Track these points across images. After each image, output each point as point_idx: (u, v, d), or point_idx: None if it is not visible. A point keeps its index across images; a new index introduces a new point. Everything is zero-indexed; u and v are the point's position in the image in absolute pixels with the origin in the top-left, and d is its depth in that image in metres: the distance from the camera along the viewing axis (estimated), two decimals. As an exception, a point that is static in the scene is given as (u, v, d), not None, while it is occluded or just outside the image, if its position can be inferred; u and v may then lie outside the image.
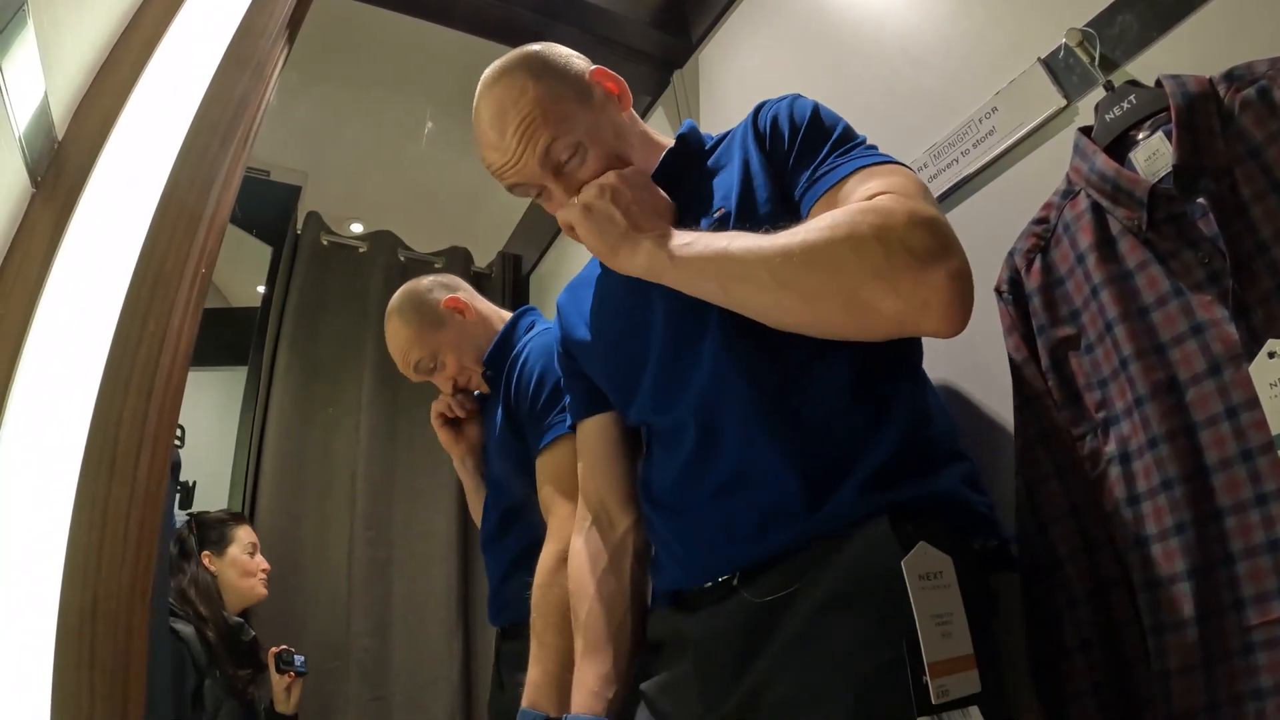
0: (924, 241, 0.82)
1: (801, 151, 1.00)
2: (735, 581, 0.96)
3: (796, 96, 1.09)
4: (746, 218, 1.00)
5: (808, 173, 0.98)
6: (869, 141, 1.02)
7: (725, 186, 1.06)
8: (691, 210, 1.06)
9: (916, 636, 0.79)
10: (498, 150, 1.04)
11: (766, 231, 0.91)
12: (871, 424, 0.92)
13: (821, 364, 0.95)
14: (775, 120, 1.05)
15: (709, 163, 1.12)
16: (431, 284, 1.79)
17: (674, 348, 1.04)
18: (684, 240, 0.95)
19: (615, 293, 1.16)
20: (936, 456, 0.93)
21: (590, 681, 1.10)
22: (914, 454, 0.91)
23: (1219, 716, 0.83)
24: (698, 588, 1.01)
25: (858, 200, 0.90)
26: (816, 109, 1.04)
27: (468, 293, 1.79)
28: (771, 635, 0.90)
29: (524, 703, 1.29)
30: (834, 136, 1.00)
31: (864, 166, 0.94)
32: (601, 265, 1.20)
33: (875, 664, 0.81)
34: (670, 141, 1.16)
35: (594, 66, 1.11)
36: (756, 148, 1.06)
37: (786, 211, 0.99)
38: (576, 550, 1.21)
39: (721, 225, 1.01)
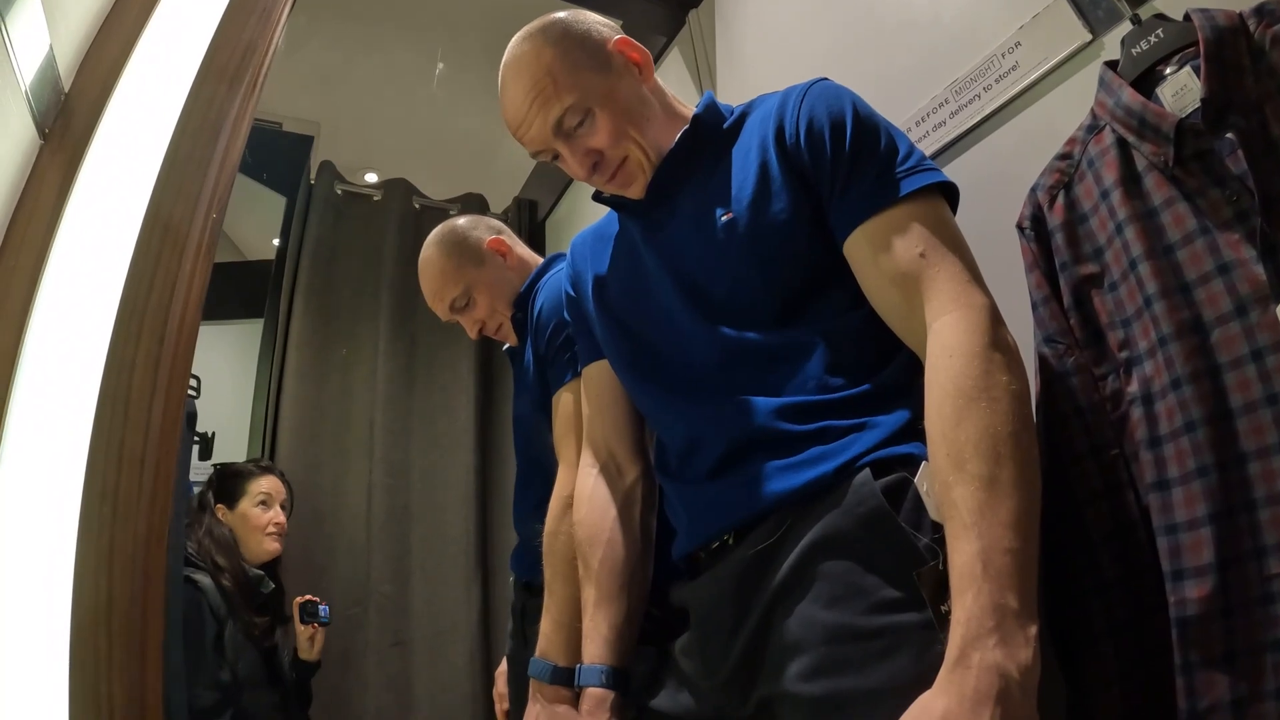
0: (1017, 362, 0.86)
1: (837, 169, 0.98)
2: (730, 541, 0.98)
3: (827, 89, 1.05)
4: (755, 224, 1.00)
5: (847, 196, 0.97)
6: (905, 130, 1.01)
7: (739, 185, 1.04)
8: (704, 201, 1.06)
9: (925, 561, 0.80)
10: (514, 114, 1.06)
11: (784, 243, 0.98)
12: (856, 396, 0.93)
13: (802, 344, 0.97)
14: (810, 127, 1.01)
15: (728, 148, 1.09)
16: (475, 222, 1.76)
17: (669, 333, 1.07)
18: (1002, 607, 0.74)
19: (628, 269, 1.16)
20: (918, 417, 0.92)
21: (604, 631, 1.11)
22: (900, 418, 0.92)
23: (1236, 665, 0.82)
24: (700, 553, 1.03)
25: (903, 258, 0.91)
26: (856, 113, 1.00)
27: (510, 236, 1.77)
28: (761, 587, 0.91)
29: (536, 653, 1.30)
30: (874, 152, 0.98)
31: (905, 199, 0.94)
32: (620, 226, 1.20)
33: (855, 610, 0.82)
34: (690, 110, 1.15)
35: (618, 36, 1.11)
36: (777, 150, 1.03)
37: (800, 220, 0.99)
38: (585, 497, 1.21)
39: (729, 230, 1.01)
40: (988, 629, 0.71)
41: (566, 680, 1.22)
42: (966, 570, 0.74)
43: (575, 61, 1.04)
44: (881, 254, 0.93)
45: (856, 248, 0.96)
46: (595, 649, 1.11)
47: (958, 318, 0.87)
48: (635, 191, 1.09)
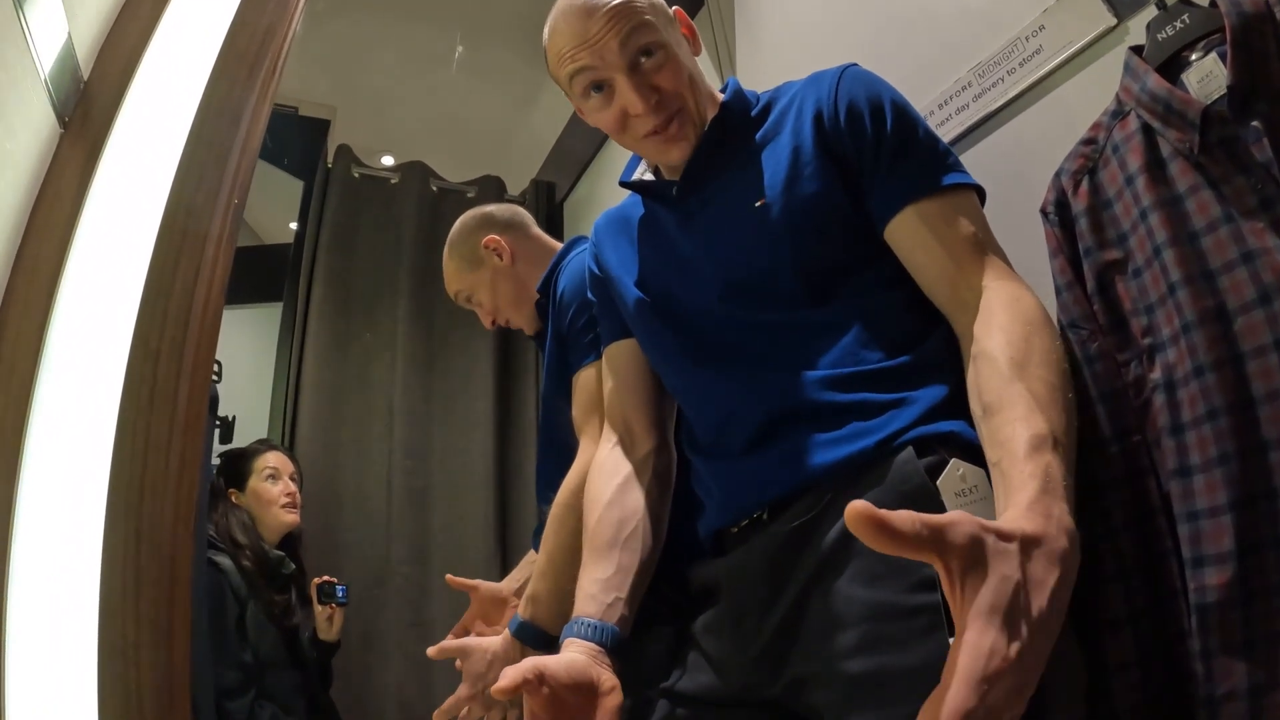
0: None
1: (881, 149, 0.99)
2: (765, 516, 0.97)
3: (861, 74, 1.06)
4: (788, 205, 1.01)
5: (894, 175, 0.99)
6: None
7: (771, 172, 1.04)
8: (737, 192, 1.06)
9: None
10: (580, 27, 1.02)
11: (814, 220, 0.99)
12: (893, 369, 0.94)
13: (838, 321, 0.98)
14: (851, 108, 1.02)
15: (757, 135, 1.09)
16: (481, 218, 1.76)
17: (705, 314, 1.07)
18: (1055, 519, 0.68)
19: (660, 252, 1.16)
20: (958, 394, 0.93)
21: (588, 586, 1.06)
22: (938, 393, 0.92)
23: (1255, 653, 0.82)
24: (732, 528, 1.02)
25: (960, 233, 0.95)
26: (893, 98, 1.02)
27: (516, 231, 1.75)
28: (799, 563, 0.91)
29: (523, 615, 1.30)
30: (917, 137, 1.01)
31: (953, 189, 0.98)
32: (646, 210, 1.20)
33: (895, 588, 0.82)
34: (716, 91, 1.15)
35: (675, 7, 1.12)
36: (814, 131, 1.03)
37: (833, 200, 1.00)
38: (596, 465, 1.21)
39: (763, 215, 1.02)
40: (1060, 493, 0.69)
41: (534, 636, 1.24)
42: (1038, 442, 0.73)
43: (660, 6, 1.07)
44: (937, 227, 0.96)
45: (906, 222, 0.97)
46: (579, 604, 1.05)
47: (1020, 283, 0.93)
48: (676, 155, 1.08)
